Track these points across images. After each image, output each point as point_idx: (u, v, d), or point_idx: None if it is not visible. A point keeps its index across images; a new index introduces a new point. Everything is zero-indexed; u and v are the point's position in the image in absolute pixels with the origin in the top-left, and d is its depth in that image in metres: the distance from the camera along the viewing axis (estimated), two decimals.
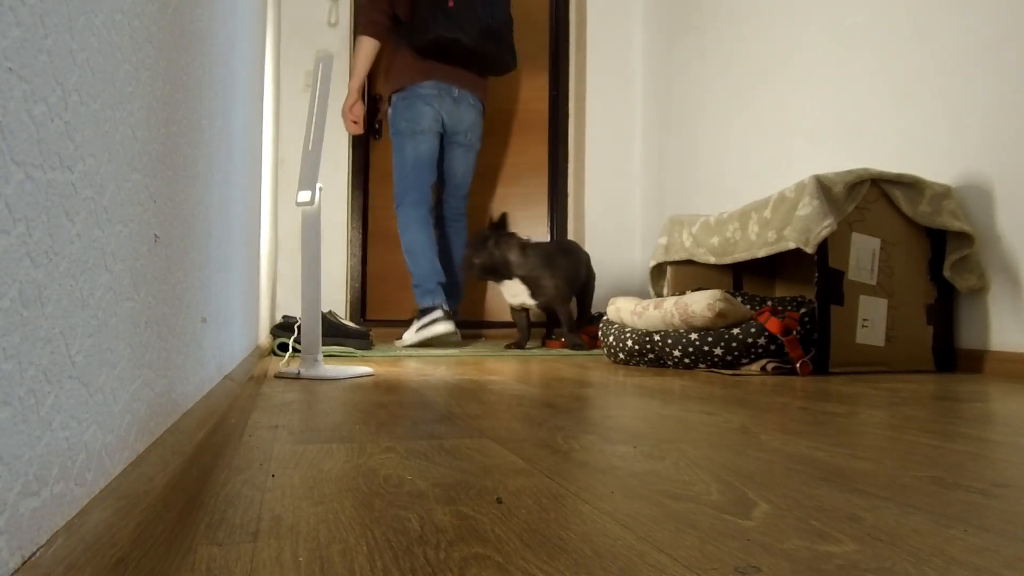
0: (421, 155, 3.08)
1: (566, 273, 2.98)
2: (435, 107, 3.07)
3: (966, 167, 2.14)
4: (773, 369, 1.98)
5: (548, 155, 4.07)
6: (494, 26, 3.06)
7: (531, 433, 1.00)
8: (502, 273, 2.93)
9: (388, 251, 3.85)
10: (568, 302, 3.01)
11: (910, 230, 2.11)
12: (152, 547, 0.43)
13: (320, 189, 1.89)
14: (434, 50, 3.00)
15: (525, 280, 2.93)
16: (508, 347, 3.04)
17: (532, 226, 4.04)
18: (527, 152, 4.06)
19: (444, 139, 3.18)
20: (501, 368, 2.12)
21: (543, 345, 3.22)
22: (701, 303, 2.08)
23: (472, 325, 3.90)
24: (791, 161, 2.92)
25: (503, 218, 3.10)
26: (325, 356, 2.46)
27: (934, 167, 2.24)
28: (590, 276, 3.24)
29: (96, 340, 0.43)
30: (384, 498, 0.65)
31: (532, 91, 4.07)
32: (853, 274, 2.05)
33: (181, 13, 0.71)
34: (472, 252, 2.96)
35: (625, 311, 2.36)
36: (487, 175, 3.99)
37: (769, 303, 2.50)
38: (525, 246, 2.94)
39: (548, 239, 4.05)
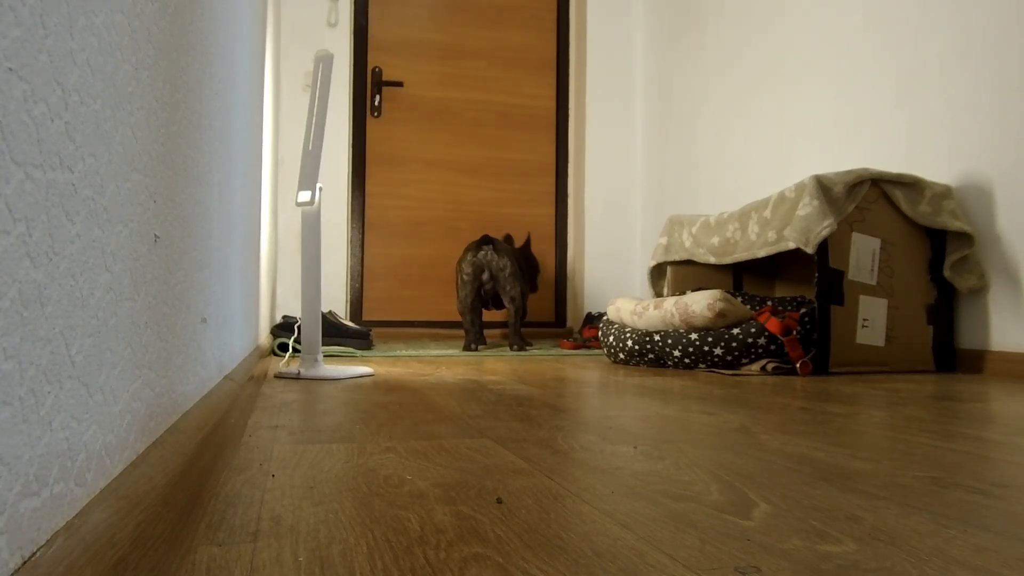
0: None
1: None
2: None
3: (966, 167, 2.14)
4: (773, 369, 1.98)
5: (555, 154, 4.06)
6: None
7: (531, 433, 0.99)
8: None
9: (386, 244, 3.81)
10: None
11: (910, 230, 2.11)
12: (152, 547, 0.43)
13: (320, 189, 1.89)
14: None
15: None
16: None
17: (539, 222, 4.04)
18: (535, 150, 4.05)
19: None
20: (501, 368, 2.12)
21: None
22: (701, 303, 2.08)
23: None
24: (791, 161, 2.92)
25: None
26: (325, 356, 2.46)
27: (934, 167, 2.24)
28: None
29: (96, 340, 0.43)
30: (384, 498, 0.65)
31: (540, 88, 4.06)
32: (853, 274, 2.05)
33: (181, 13, 0.71)
34: None
35: (625, 311, 2.36)
36: (492, 170, 3.97)
37: (769, 303, 2.50)
38: None
39: (554, 236, 4.06)
